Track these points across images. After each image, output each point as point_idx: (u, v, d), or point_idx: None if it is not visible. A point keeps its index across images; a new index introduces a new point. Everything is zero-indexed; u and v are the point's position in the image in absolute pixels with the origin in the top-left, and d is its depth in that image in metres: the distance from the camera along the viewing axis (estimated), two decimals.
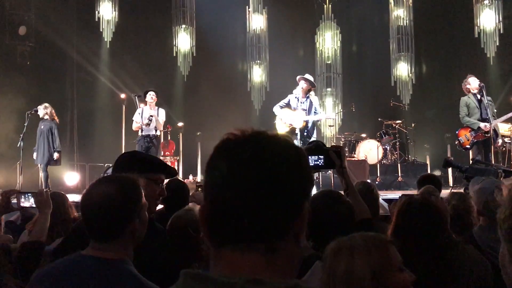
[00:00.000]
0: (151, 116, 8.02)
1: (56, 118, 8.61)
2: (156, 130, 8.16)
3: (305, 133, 7.47)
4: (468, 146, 6.99)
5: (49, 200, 2.74)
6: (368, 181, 4.12)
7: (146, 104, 8.18)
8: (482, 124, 6.79)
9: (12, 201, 3.81)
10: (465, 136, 6.99)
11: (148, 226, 1.74)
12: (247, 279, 0.74)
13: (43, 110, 8.44)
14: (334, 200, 2.06)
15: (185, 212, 2.65)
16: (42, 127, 8.45)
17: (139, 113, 8.11)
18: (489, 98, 6.94)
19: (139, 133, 8.14)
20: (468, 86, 6.99)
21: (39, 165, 8.52)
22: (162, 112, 8.25)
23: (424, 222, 1.96)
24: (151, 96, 8.14)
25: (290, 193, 0.79)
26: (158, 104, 8.47)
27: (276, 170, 0.78)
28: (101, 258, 1.53)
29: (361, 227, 2.20)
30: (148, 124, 7.99)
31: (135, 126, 8.25)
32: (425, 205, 2.03)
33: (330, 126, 12.22)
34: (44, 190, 2.83)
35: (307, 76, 7.64)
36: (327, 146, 2.52)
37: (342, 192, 2.36)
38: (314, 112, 7.51)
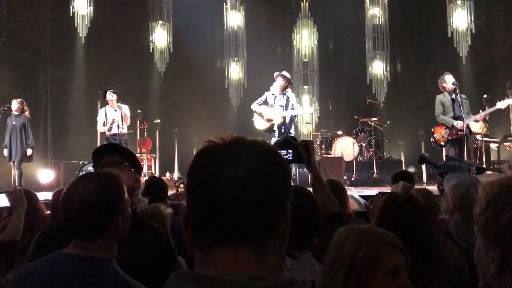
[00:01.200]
0: (114, 119, 8.01)
1: (28, 113, 8.45)
2: (123, 128, 8.11)
3: (283, 129, 7.51)
4: (442, 143, 7.15)
5: (23, 197, 2.70)
6: (335, 178, 4.13)
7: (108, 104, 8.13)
8: (455, 122, 6.95)
9: None
10: (440, 133, 7.13)
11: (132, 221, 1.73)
12: (248, 276, 0.75)
13: (17, 105, 8.25)
14: (296, 193, 2.03)
15: (151, 208, 2.63)
16: (14, 122, 8.23)
17: (103, 113, 8.08)
18: (463, 95, 7.10)
19: (107, 133, 8.10)
20: (444, 84, 7.12)
21: (11, 162, 8.33)
22: (125, 107, 8.23)
23: (409, 218, 2.00)
24: (111, 94, 8.07)
25: (274, 193, 0.82)
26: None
27: (261, 172, 0.81)
28: (84, 257, 1.49)
29: (329, 221, 2.24)
30: (111, 128, 7.99)
31: (101, 129, 8.22)
32: (410, 202, 2.07)
33: (307, 123, 12.31)
34: (18, 187, 2.78)
35: (285, 73, 7.68)
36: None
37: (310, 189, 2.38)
38: (292, 108, 7.57)
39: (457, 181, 2.64)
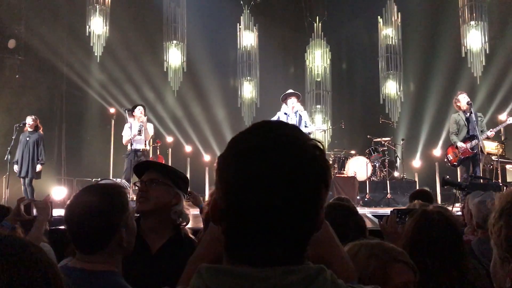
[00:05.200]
0: (141, 125, 7.99)
1: (42, 130, 8.51)
2: (145, 144, 8.12)
3: None
4: (455, 163, 7.07)
5: (48, 208, 2.66)
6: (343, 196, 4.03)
7: (134, 119, 8.14)
8: (459, 144, 6.96)
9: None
10: (453, 153, 7.08)
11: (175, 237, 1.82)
12: (282, 270, 0.75)
13: (32, 121, 8.32)
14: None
15: None
16: (27, 139, 8.28)
17: (128, 127, 8.08)
18: (479, 114, 7.08)
19: (128, 148, 8.10)
20: (458, 104, 7.10)
21: (21, 178, 8.33)
22: (150, 125, 8.32)
23: (447, 237, 1.89)
24: (140, 111, 8.10)
25: (304, 194, 0.79)
26: (149, 119, 8.52)
27: (288, 172, 0.78)
28: (88, 270, 1.48)
29: None
30: (139, 132, 7.93)
31: (125, 140, 8.19)
32: (446, 220, 1.96)
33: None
34: (48, 195, 2.74)
35: (289, 91, 7.70)
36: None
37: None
38: (305, 126, 7.54)
39: (481, 198, 2.58)
